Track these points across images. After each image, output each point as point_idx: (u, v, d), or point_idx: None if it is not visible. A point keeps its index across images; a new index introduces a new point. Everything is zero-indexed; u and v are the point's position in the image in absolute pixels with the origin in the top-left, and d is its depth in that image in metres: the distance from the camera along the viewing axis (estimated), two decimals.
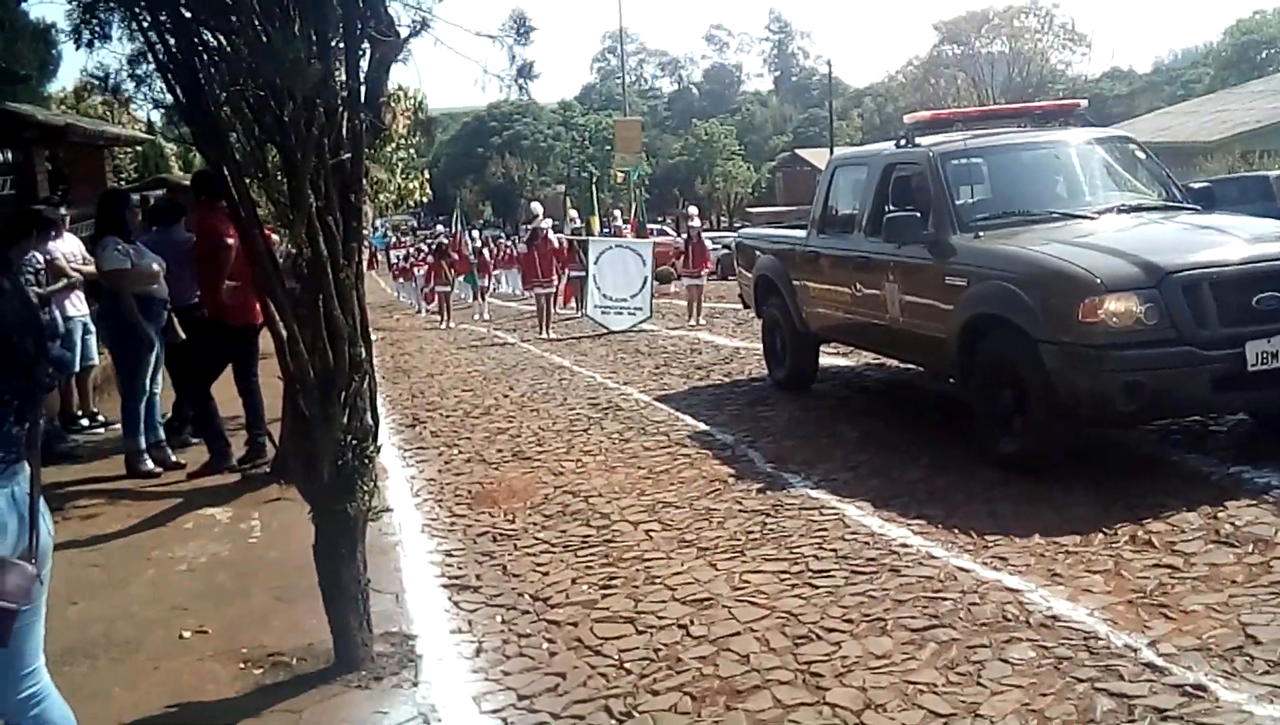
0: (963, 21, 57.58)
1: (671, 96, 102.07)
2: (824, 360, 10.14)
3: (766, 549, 4.85)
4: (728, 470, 6.29)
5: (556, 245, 17.42)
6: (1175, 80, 67.13)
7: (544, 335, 15.61)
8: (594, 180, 28.89)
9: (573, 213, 21.42)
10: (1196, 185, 7.42)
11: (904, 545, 4.71)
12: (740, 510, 5.47)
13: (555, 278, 17.07)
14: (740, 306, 11.90)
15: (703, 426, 7.62)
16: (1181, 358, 5.08)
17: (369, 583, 3.96)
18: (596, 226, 20.68)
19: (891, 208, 6.99)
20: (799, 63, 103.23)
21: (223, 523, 6.01)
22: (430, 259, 22.10)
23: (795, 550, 4.78)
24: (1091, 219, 6.26)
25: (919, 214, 6.51)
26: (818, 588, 4.31)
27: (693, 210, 19.98)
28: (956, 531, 4.83)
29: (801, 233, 8.58)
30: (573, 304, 18.83)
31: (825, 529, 5.03)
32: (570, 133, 78.97)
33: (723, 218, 65.93)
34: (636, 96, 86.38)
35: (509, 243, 34.07)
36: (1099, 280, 5.18)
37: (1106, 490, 5.18)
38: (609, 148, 57.60)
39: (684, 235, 18.23)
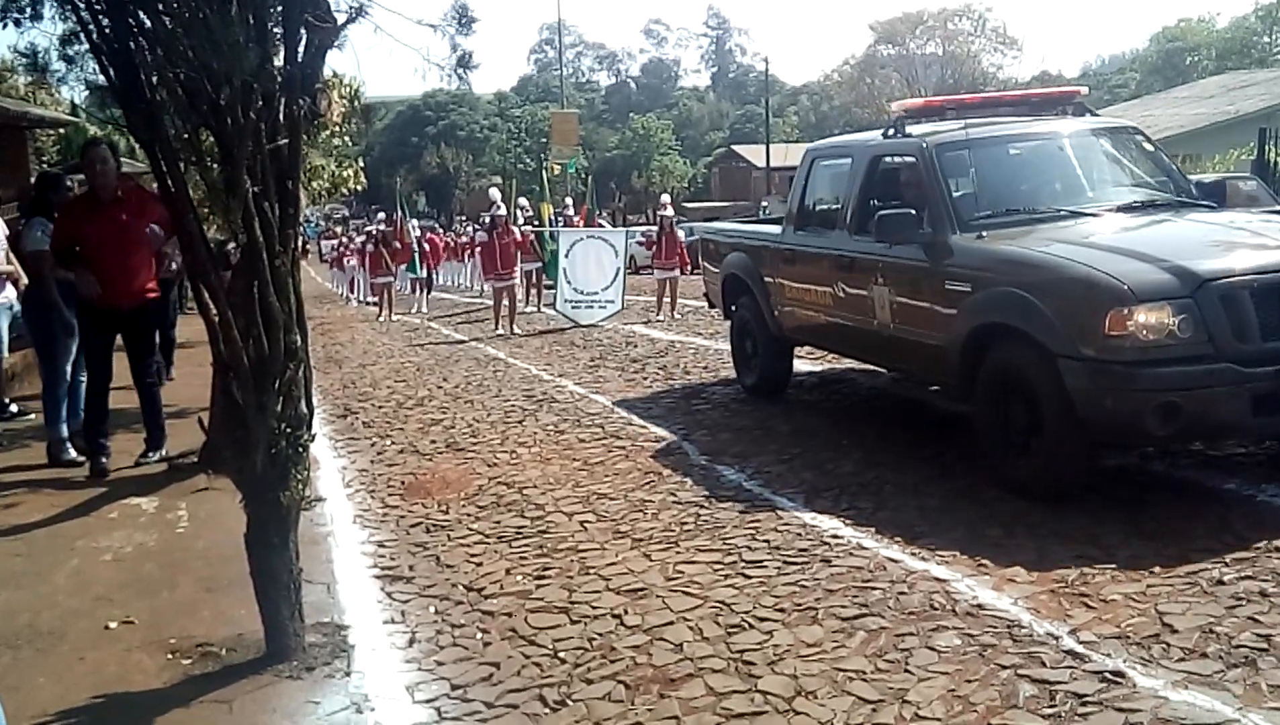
0: (898, 22, 58.33)
1: (609, 90, 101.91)
2: None
3: (700, 540, 4.90)
4: (662, 462, 6.33)
5: (518, 235, 16.16)
6: (1103, 85, 68.61)
7: (502, 331, 14.56)
8: (544, 168, 28.35)
9: (523, 201, 20.31)
10: (1207, 180, 7.02)
11: (835, 536, 4.79)
12: (674, 502, 5.51)
13: (516, 270, 15.90)
14: (699, 303, 11.94)
15: (638, 419, 7.65)
16: (1220, 376, 4.53)
17: (301, 572, 3.92)
18: (548, 215, 19.74)
19: (879, 203, 6.41)
20: (736, 59, 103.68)
21: (149, 512, 5.90)
22: (370, 248, 20.83)
23: (729, 541, 4.84)
24: (1102, 217, 5.74)
25: (913, 211, 5.92)
26: (750, 578, 4.36)
27: (665, 198, 18.56)
28: (886, 523, 4.92)
29: (775, 229, 8.00)
30: (530, 298, 17.88)
31: (758, 520, 5.09)
32: (506, 124, 78.51)
33: (658, 212, 66.04)
34: (574, 89, 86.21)
35: (451, 234, 33.79)
36: (1128, 288, 4.62)
37: (1030, 487, 5.30)
38: (545, 140, 57.35)
39: (655, 225, 17.03)
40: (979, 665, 3.44)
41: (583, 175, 47.23)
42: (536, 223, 18.73)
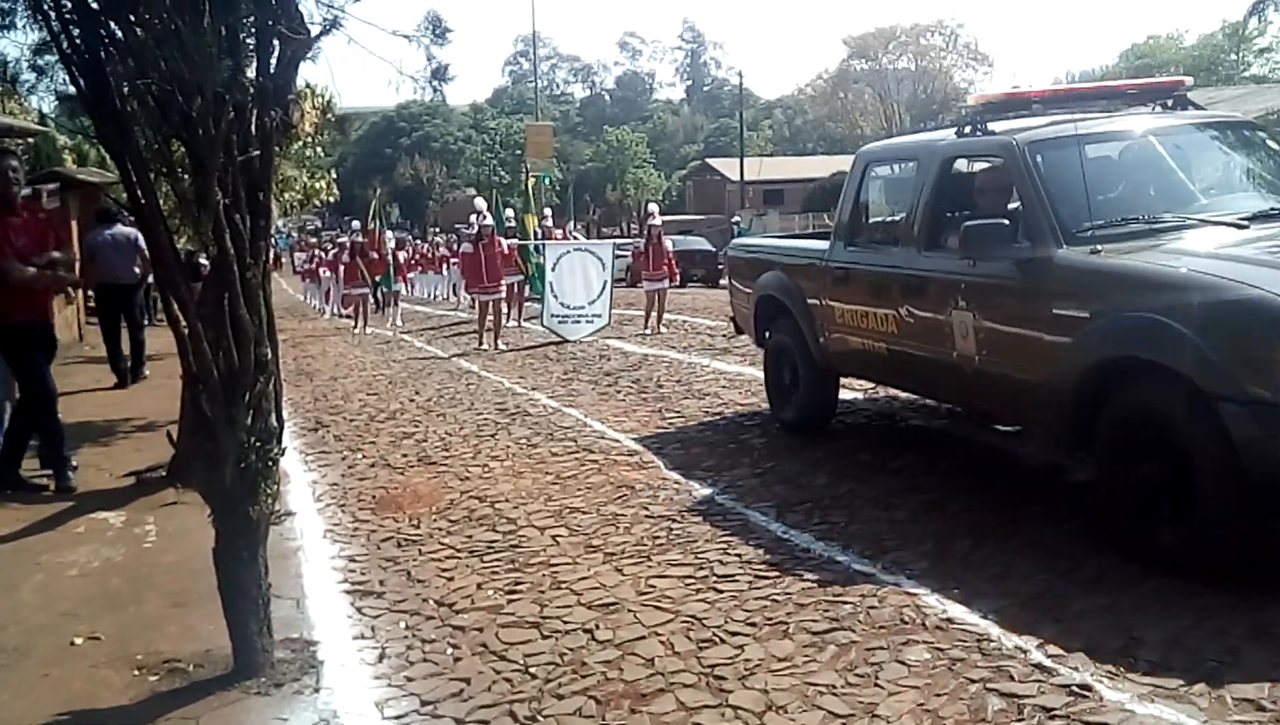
0: (871, 38, 58.81)
1: (584, 102, 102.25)
2: (724, 366, 10.29)
3: (672, 554, 4.90)
4: (635, 476, 6.33)
5: (504, 247, 15.53)
6: None
7: (486, 347, 14.00)
8: (528, 179, 27.97)
9: (509, 211, 19.66)
10: None
11: (806, 550, 4.80)
12: (646, 516, 5.51)
13: (503, 283, 15.20)
14: (682, 317, 11.79)
15: (610, 432, 7.65)
16: None
17: (270, 587, 3.89)
18: (533, 226, 19.28)
19: (956, 214, 5.59)
20: (711, 73, 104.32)
21: (116, 527, 5.84)
22: (345, 258, 20.18)
23: (700, 555, 4.84)
24: (1243, 227, 4.74)
25: (1005, 222, 5.06)
26: (722, 592, 4.37)
27: (653, 207, 17.62)
28: (857, 536, 4.94)
29: (821, 244, 6.98)
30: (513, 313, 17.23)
31: (730, 534, 5.10)
32: (481, 136, 78.53)
33: (632, 225, 66.14)
34: (548, 101, 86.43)
35: (427, 245, 33.62)
36: None
37: (1001, 499, 5.34)
38: (520, 152, 57.36)
39: (644, 236, 16.27)
40: (948, 679, 3.45)
41: (557, 188, 47.27)
42: (520, 235, 18.27)
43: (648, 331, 14.37)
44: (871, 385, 7.99)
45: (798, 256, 7.28)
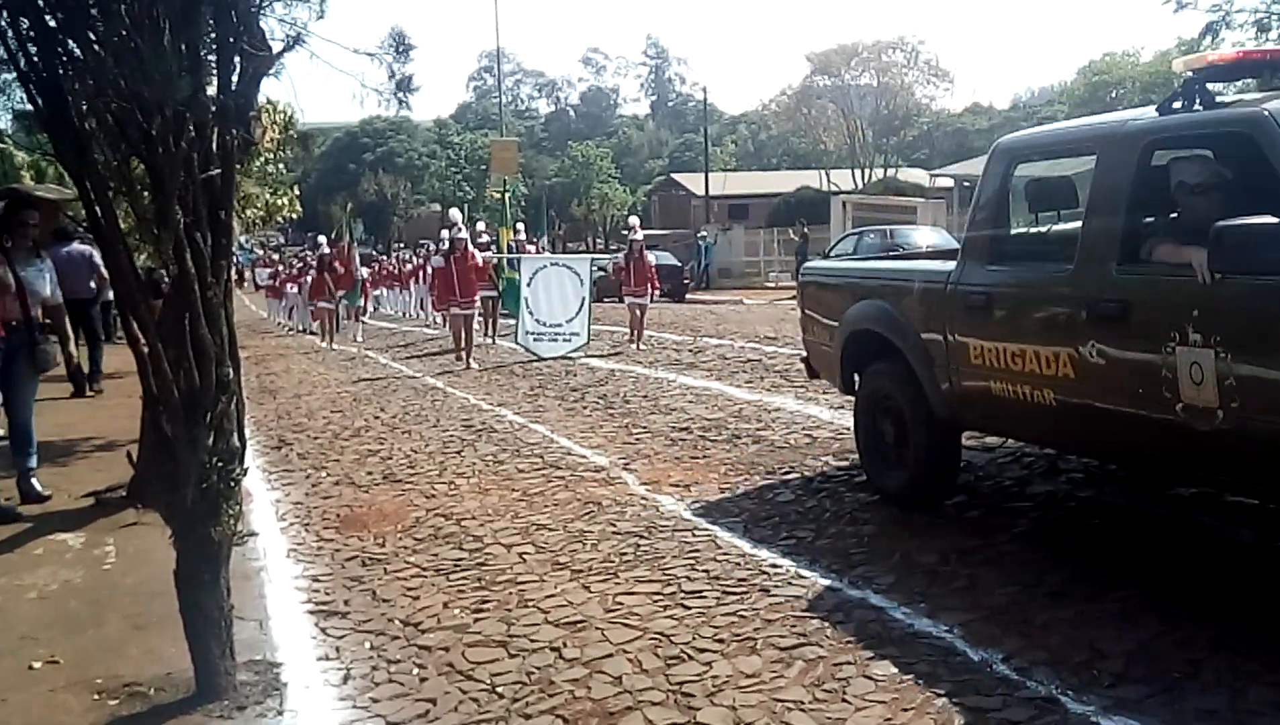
0: (833, 54, 59.16)
1: (548, 117, 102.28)
2: (691, 381, 10.31)
3: (640, 570, 4.89)
4: (602, 492, 6.32)
5: (478, 260, 14.88)
6: (1032, 116, 70.18)
7: (464, 365, 13.53)
8: (505, 190, 27.75)
9: (481, 225, 19.06)
10: None
11: (774, 565, 4.81)
12: (614, 532, 5.50)
13: (476, 298, 14.75)
14: (661, 334, 11.56)
15: (577, 448, 7.63)
16: None
17: (232, 609, 3.84)
18: (507, 240, 18.52)
19: (1154, 217, 4.36)
20: (675, 88, 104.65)
21: (75, 548, 5.75)
22: (312, 272, 19.78)
23: (668, 571, 4.83)
24: None
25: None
26: (690, 608, 4.36)
27: (634, 221, 17.02)
28: (824, 551, 4.95)
29: (941, 264, 5.57)
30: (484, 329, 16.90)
31: (698, 550, 5.09)
32: (446, 151, 78.26)
33: (598, 239, 66.20)
34: (513, 117, 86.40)
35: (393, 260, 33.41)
36: None
37: (965, 514, 5.38)
38: (484, 167, 57.22)
39: (625, 250, 15.64)
40: (915, 693, 3.46)
41: (522, 202, 47.14)
42: (495, 248, 17.63)
43: (634, 347, 14.07)
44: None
45: (909, 280, 5.72)
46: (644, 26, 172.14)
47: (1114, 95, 53.03)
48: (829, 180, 54.08)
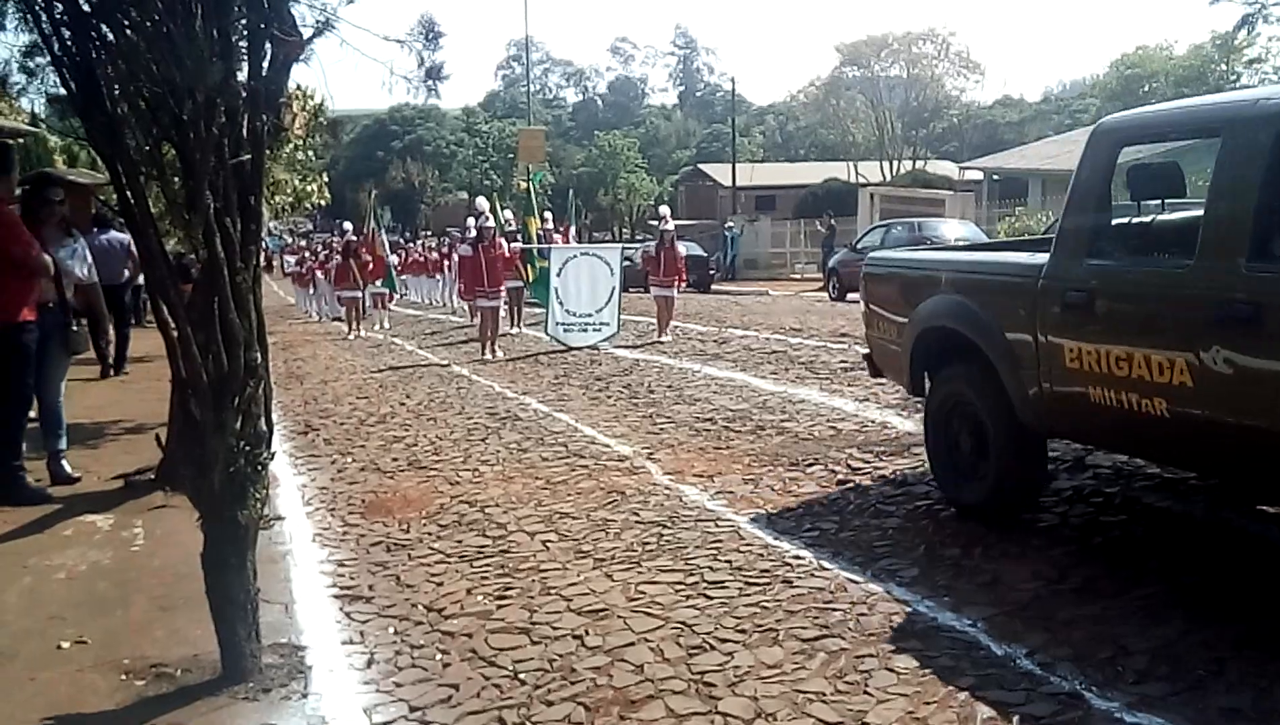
0: (863, 45, 58.84)
1: (576, 107, 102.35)
2: (716, 371, 10.30)
3: (662, 560, 4.89)
4: (625, 481, 6.33)
5: (506, 250, 14.76)
6: (1064, 110, 69.85)
7: (487, 357, 13.28)
8: (529, 180, 27.63)
9: (507, 214, 18.66)
10: None
11: (797, 557, 4.80)
12: (637, 521, 5.51)
13: (503, 288, 14.59)
14: (687, 325, 11.55)
15: (601, 437, 7.64)
16: None
17: (258, 592, 3.87)
18: (535, 229, 17.87)
19: None
20: (703, 78, 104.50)
21: (104, 530, 5.81)
22: (338, 259, 19.57)
23: (691, 561, 4.83)
24: None
25: None
26: (712, 598, 4.36)
27: (664, 210, 16.37)
28: (848, 543, 4.94)
29: (1030, 257, 5.03)
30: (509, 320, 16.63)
31: (720, 540, 5.09)
32: (473, 140, 78.41)
33: (624, 229, 66.17)
34: (541, 106, 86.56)
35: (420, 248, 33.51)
36: None
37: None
38: (512, 156, 57.28)
39: (655, 239, 15.23)
40: (937, 687, 3.45)
41: (549, 191, 47.15)
42: (522, 239, 17.32)
43: (657, 338, 13.95)
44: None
45: (993, 273, 5.28)
46: (673, 16, 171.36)
47: (1146, 89, 52.55)
48: (857, 172, 53.79)
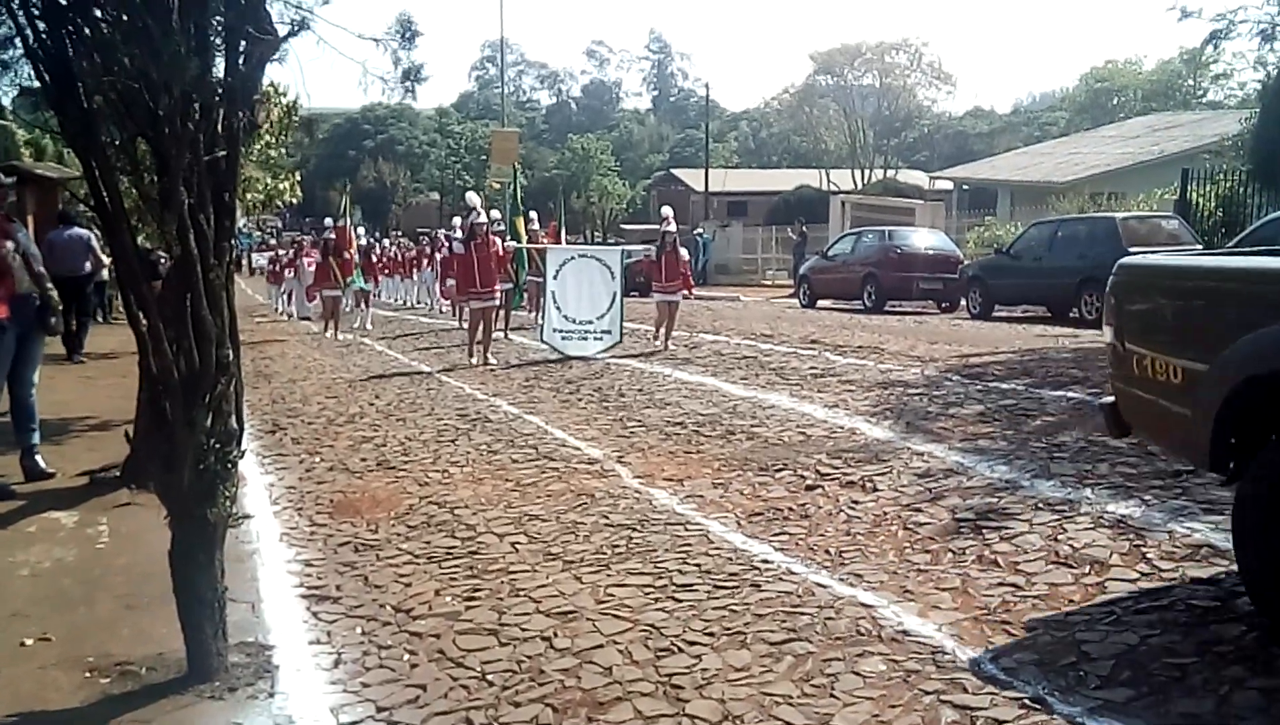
0: (837, 54, 59.07)
1: (550, 109, 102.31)
2: (686, 376, 10.31)
3: (631, 563, 4.91)
4: (595, 484, 6.33)
5: (500, 248, 13.67)
6: (1033, 121, 70.57)
7: (477, 361, 12.57)
8: (495, 182, 27.23)
9: (495, 213, 17.84)
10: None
11: (765, 561, 4.83)
12: (606, 524, 5.52)
13: (497, 288, 13.55)
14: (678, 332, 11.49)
15: (572, 440, 7.65)
16: None
17: (225, 591, 3.86)
18: (522, 228, 16.87)
19: None
20: (677, 83, 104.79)
21: (68, 527, 5.76)
22: (316, 257, 18.97)
23: (660, 564, 4.85)
24: None
25: None
26: (681, 601, 4.38)
27: (667, 211, 14.90)
28: (816, 548, 4.97)
29: None
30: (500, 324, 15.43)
31: (690, 544, 5.11)
32: (446, 140, 78.19)
33: (596, 233, 66.15)
34: (515, 107, 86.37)
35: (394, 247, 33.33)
36: None
37: (956, 513, 5.40)
38: (485, 157, 57.00)
39: (656, 242, 14.14)
40: (903, 691, 3.49)
41: (520, 194, 46.90)
42: (507, 236, 16.13)
43: (660, 346, 13.18)
44: None
45: None
46: (647, 21, 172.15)
47: (1115, 102, 53.19)
48: (829, 180, 54.05)
